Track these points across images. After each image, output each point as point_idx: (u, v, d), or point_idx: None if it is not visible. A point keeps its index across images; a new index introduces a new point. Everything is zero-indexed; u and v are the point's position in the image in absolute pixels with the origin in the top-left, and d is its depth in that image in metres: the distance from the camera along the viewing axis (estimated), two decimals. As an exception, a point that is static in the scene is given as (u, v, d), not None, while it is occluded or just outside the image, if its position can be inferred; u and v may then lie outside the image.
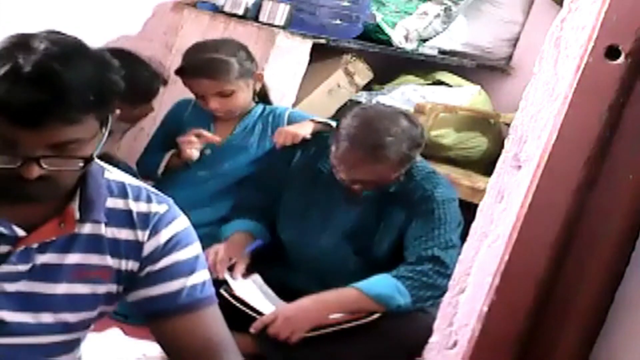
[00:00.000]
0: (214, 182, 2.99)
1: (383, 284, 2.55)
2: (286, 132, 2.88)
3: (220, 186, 2.99)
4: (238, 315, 2.49)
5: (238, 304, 2.53)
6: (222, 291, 2.50)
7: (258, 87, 3.02)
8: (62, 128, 1.35)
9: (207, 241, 2.14)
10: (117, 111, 1.48)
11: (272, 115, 3.02)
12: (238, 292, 2.57)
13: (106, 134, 1.46)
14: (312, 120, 2.94)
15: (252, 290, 2.66)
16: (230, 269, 2.68)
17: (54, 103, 1.33)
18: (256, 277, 2.72)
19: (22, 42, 1.38)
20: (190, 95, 3.02)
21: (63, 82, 1.33)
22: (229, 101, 2.92)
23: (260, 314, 2.54)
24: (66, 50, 1.38)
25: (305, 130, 2.88)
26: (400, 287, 2.53)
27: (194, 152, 2.94)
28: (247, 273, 2.71)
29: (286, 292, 2.66)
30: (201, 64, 2.90)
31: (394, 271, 2.57)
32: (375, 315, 2.52)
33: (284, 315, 2.49)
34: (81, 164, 1.42)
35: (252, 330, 2.47)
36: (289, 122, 2.98)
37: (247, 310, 2.54)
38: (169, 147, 3.03)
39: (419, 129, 2.64)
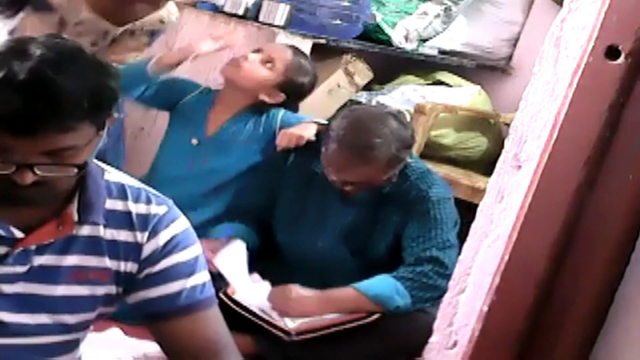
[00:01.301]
0: (198, 182, 2.96)
1: (382, 285, 2.55)
2: (290, 134, 2.86)
3: (206, 187, 2.96)
4: (238, 316, 2.49)
5: (237, 308, 2.53)
6: (221, 295, 2.49)
7: (271, 99, 3.00)
8: (56, 136, 1.35)
9: None
10: (115, 115, 1.48)
11: (265, 116, 3.01)
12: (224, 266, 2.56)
13: (104, 136, 1.45)
14: (315, 122, 2.93)
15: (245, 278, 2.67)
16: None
17: (47, 112, 1.32)
18: (254, 277, 2.71)
19: (18, 48, 1.37)
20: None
21: (57, 90, 1.32)
22: (255, 70, 2.94)
23: (257, 316, 2.54)
24: (62, 56, 1.37)
25: (309, 132, 2.86)
26: (400, 288, 2.53)
27: (203, 45, 2.92)
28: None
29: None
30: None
31: (394, 272, 2.57)
32: (376, 316, 2.52)
33: (286, 293, 2.52)
34: (75, 170, 1.41)
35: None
36: (282, 125, 2.97)
37: (245, 314, 2.53)
38: (157, 98, 3.03)
39: (409, 130, 2.64)
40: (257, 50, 3.02)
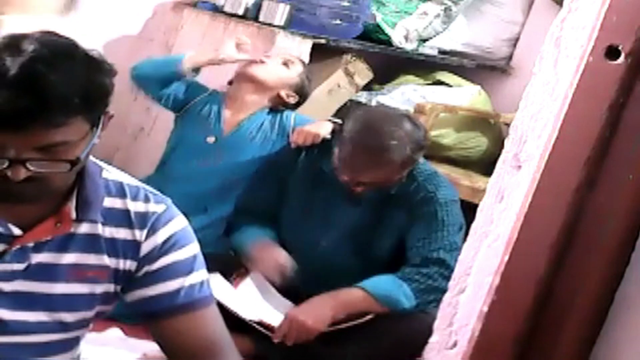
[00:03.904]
0: (209, 180, 2.98)
1: (390, 286, 2.53)
2: (306, 132, 2.87)
3: (217, 185, 2.98)
4: (237, 317, 2.49)
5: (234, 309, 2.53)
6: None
7: (288, 98, 3.07)
8: (48, 131, 1.35)
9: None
10: (111, 112, 1.48)
11: (279, 117, 3.06)
12: (224, 301, 2.47)
13: (98, 133, 1.45)
14: (331, 121, 2.96)
15: (248, 294, 2.65)
16: (225, 275, 2.66)
17: (37, 107, 1.32)
18: (255, 276, 2.71)
19: (12, 43, 1.37)
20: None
21: (47, 86, 1.32)
22: (278, 68, 3.07)
23: (254, 320, 2.53)
24: (55, 52, 1.37)
25: (325, 130, 2.87)
26: (406, 290, 2.52)
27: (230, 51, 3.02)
28: (245, 272, 2.71)
29: (286, 290, 2.67)
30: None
31: (400, 272, 2.56)
32: (370, 316, 2.52)
33: (297, 321, 2.48)
34: (69, 166, 1.41)
35: (275, 341, 2.47)
36: (295, 126, 3.00)
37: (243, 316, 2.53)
38: (179, 98, 3.09)
39: (422, 131, 2.64)
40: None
